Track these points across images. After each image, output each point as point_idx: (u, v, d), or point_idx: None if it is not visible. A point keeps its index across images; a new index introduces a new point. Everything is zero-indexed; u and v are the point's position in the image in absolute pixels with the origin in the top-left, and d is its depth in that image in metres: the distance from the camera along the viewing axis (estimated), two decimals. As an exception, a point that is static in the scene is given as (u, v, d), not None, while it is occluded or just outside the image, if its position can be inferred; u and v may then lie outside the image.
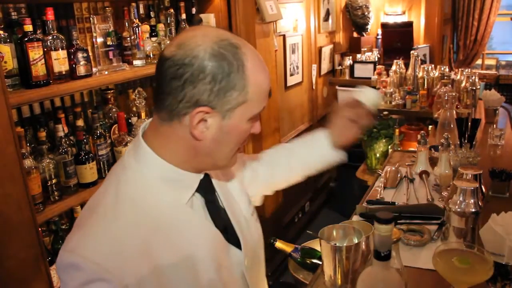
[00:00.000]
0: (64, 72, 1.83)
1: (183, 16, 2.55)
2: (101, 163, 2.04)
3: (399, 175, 2.21)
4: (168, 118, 0.93)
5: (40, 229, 1.67)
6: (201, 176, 1.02)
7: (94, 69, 2.03)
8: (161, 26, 2.44)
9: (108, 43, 2.14)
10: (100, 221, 0.92)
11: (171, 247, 0.95)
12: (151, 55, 2.32)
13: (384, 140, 3.37)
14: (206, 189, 1.04)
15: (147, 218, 0.94)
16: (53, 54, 1.79)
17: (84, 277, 0.85)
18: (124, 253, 0.88)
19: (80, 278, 0.85)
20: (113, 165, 1.08)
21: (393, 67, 4.01)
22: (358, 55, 4.72)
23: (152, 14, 2.48)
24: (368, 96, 1.32)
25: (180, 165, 0.98)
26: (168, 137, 0.95)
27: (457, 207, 1.41)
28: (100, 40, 2.12)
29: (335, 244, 1.28)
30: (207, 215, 1.03)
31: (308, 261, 1.74)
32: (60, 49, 1.81)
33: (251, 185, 1.31)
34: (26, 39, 1.69)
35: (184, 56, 0.88)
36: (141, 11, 2.29)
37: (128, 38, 2.24)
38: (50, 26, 1.80)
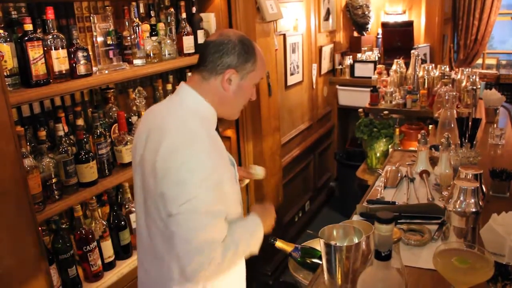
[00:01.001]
0: (64, 71, 1.83)
1: (183, 15, 2.55)
2: (101, 162, 2.04)
3: (399, 175, 2.21)
4: (208, 77, 1.43)
5: (40, 228, 1.67)
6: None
7: (94, 68, 2.02)
8: (161, 25, 2.43)
9: (108, 42, 2.14)
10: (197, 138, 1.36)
11: (220, 153, 1.42)
12: (151, 54, 2.32)
13: (384, 140, 3.37)
14: (217, 131, 1.52)
15: (207, 132, 1.41)
16: (53, 53, 1.79)
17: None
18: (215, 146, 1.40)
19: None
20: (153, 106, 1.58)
21: (394, 67, 4.00)
22: (359, 55, 4.72)
23: (152, 13, 2.47)
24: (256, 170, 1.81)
25: (213, 106, 1.46)
26: (206, 89, 1.44)
27: (457, 206, 1.41)
28: (100, 39, 2.12)
29: (336, 243, 1.28)
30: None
31: (308, 261, 1.74)
32: (60, 48, 1.80)
33: None
34: (26, 38, 1.69)
35: (224, 39, 1.42)
36: (141, 10, 2.29)
37: (128, 37, 2.23)
38: (50, 25, 1.80)
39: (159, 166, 1.32)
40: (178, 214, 1.29)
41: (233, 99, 1.47)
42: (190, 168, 1.30)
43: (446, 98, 2.35)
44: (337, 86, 4.72)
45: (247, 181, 1.94)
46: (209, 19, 2.77)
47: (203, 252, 1.28)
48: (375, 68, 4.40)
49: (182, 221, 1.29)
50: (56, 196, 1.83)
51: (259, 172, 1.84)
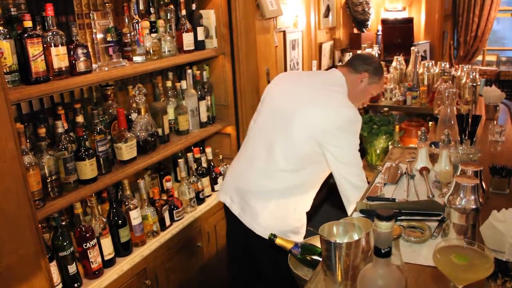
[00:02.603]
0: (64, 68, 1.83)
1: (183, 12, 2.55)
2: (101, 159, 2.04)
3: (399, 172, 2.21)
4: (353, 71, 2.07)
5: (40, 225, 1.67)
6: None
7: (94, 65, 2.02)
8: (161, 22, 2.43)
9: (108, 39, 2.13)
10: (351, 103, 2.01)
11: None
12: (151, 51, 2.31)
13: (384, 137, 3.37)
14: None
15: None
16: (53, 50, 1.78)
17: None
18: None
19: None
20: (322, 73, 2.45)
21: (394, 63, 4.00)
22: (359, 51, 4.71)
23: (152, 10, 2.47)
24: None
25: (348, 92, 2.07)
26: (349, 79, 2.06)
27: (457, 203, 1.41)
28: (100, 36, 2.11)
29: (336, 240, 1.28)
30: None
31: (308, 258, 1.73)
32: (60, 45, 1.80)
33: None
34: (25, 35, 1.68)
35: (370, 57, 2.21)
36: (141, 7, 2.28)
37: (128, 34, 2.23)
38: (50, 22, 1.79)
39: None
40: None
41: (358, 94, 2.09)
42: None
43: (446, 95, 2.35)
44: (337, 83, 4.71)
45: None
46: (209, 16, 2.77)
47: None
48: (375, 65, 4.39)
49: None
50: (56, 193, 1.83)
51: None
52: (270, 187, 2.00)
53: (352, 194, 1.97)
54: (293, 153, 1.96)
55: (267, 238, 1.80)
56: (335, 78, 2.06)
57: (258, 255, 2.13)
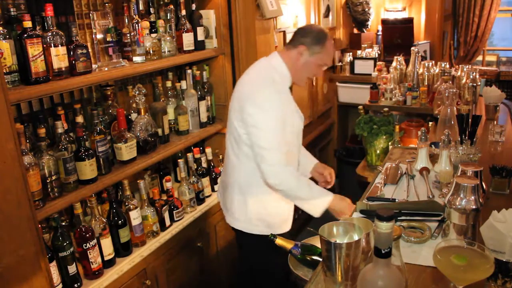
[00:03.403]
0: (63, 69, 1.83)
1: (183, 12, 2.55)
2: (101, 159, 2.04)
3: (399, 172, 2.21)
4: (291, 47, 2.03)
5: (40, 225, 1.67)
6: (291, 82, 2.11)
7: (93, 66, 2.02)
8: (161, 22, 2.43)
9: (107, 40, 2.13)
10: (266, 82, 2.00)
11: (287, 102, 2.05)
12: (151, 52, 2.31)
13: (384, 137, 3.36)
14: (291, 90, 2.13)
15: (282, 87, 2.05)
16: (53, 50, 1.78)
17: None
18: (279, 95, 2.00)
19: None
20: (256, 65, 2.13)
21: (394, 64, 4.00)
22: (359, 52, 4.71)
23: (152, 10, 2.47)
24: None
25: (289, 71, 2.06)
26: (287, 56, 2.04)
27: (457, 204, 1.41)
28: (99, 36, 2.11)
29: (336, 241, 1.28)
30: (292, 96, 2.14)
31: (308, 258, 1.74)
32: (59, 45, 1.80)
33: None
34: (25, 35, 1.68)
35: (307, 27, 2.09)
36: (141, 7, 2.28)
37: (128, 35, 2.23)
38: (50, 22, 1.79)
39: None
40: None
41: (301, 68, 2.04)
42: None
43: (446, 95, 2.35)
44: (337, 83, 4.72)
45: None
46: (209, 16, 2.77)
47: None
48: (375, 65, 4.39)
49: None
50: (56, 194, 1.82)
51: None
52: (231, 180, 2.12)
53: (267, 176, 1.94)
54: (233, 141, 2.07)
55: (242, 230, 2.12)
56: (268, 60, 2.08)
57: (242, 248, 2.29)
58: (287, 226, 2.24)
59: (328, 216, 1.93)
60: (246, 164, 2.04)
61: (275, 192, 2.02)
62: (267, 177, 1.94)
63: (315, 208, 2.00)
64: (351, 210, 1.93)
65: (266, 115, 1.92)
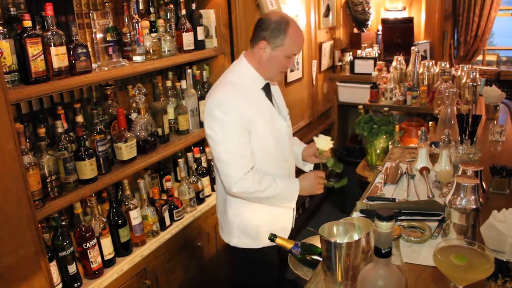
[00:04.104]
0: (63, 68, 1.83)
1: (183, 11, 2.55)
2: (101, 159, 2.03)
3: (399, 172, 2.21)
4: (254, 44, 1.87)
5: (40, 225, 1.67)
6: (265, 82, 1.94)
7: (93, 65, 2.02)
8: (161, 22, 2.43)
9: (107, 39, 2.13)
10: (227, 85, 1.87)
11: (254, 105, 1.85)
12: (151, 51, 2.31)
13: (384, 136, 3.36)
14: (266, 89, 1.96)
15: (244, 89, 1.87)
16: (53, 50, 1.78)
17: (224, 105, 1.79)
18: (240, 98, 1.82)
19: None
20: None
21: (394, 63, 4.00)
22: (359, 51, 4.71)
23: (152, 9, 2.47)
24: (319, 142, 1.98)
25: (257, 71, 1.90)
26: (252, 55, 1.90)
27: (457, 203, 1.41)
28: (99, 36, 2.11)
29: (336, 240, 1.28)
30: (267, 99, 1.96)
31: (308, 258, 1.74)
32: (59, 45, 1.80)
33: None
34: (25, 35, 1.68)
35: (265, 18, 1.85)
36: (141, 6, 2.28)
37: (128, 34, 2.23)
38: (50, 22, 1.79)
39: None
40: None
41: (267, 64, 1.87)
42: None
43: (446, 94, 2.35)
44: (337, 83, 4.72)
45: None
46: (209, 16, 2.77)
47: None
48: (375, 65, 4.39)
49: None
50: (56, 193, 1.82)
51: (320, 142, 1.99)
52: (218, 189, 2.08)
53: (228, 188, 1.87)
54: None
55: (229, 243, 2.05)
56: (234, 64, 1.97)
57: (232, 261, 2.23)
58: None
59: (328, 216, 1.93)
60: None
61: (249, 200, 1.93)
62: (228, 189, 1.86)
63: (288, 201, 1.99)
64: (319, 185, 1.96)
65: (219, 125, 1.80)
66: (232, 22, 2.79)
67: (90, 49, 2.02)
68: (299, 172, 2.12)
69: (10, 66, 1.67)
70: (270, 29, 1.81)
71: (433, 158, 2.26)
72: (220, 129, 1.80)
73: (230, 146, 1.81)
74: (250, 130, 1.84)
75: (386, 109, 3.52)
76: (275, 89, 2.07)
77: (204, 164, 2.74)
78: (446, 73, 3.44)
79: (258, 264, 2.05)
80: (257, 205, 1.96)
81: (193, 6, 2.64)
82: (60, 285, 1.85)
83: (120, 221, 2.11)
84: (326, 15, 4.45)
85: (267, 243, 1.93)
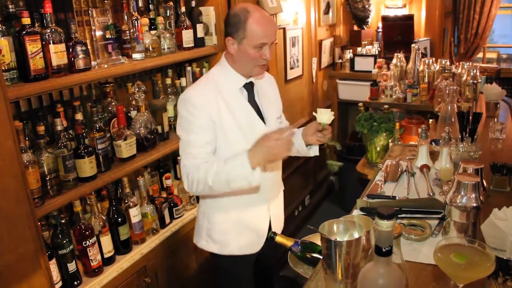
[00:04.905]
0: (62, 66, 1.82)
1: (183, 9, 2.54)
2: (100, 157, 2.03)
3: (399, 169, 2.21)
4: (225, 44, 1.81)
5: (39, 223, 1.66)
6: (247, 80, 1.86)
7: (93, 63, 2.01)
8: (160, 19, 2.42)
9: (107, 36, 2.12)
10: (198, 85, 1.84)
11: (224, 105, 1.79)
12: (151, 49, 2.30)
13: (384, 134, 3.36)
14: (248, 88, 1.88)
15: (218, 89, 1.81)
16: (52, 47, 1.77)
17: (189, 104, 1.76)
18: (207, 99, 1.77)
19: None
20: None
21: (394, 61, 3.99)
22: (359, 49, 4.70)
23: (151, 7, 2.46)
24: (321, 116, 1.85)
25: (235, 70, 1.84)
26: (228, 54, 1.84)
27: (458, 201, 1.40)
28: (99, 33, 2.10)
29: (336, 238, 1.28)
30: (246, 100, 1.87)
31: (308, 255, 1.73)
32: (58, 42, 1.79)
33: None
34: (24, 32, 1.67)
35: (227, 14, 1.79)
36: (140, 4, 2.27)
37: (127, 31, 2.22)
38: (49, 19, 1.78)
39: None
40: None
41: (240, 59, 1.80)
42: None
43: (447, 92, 2.34)
44: (337, 80, 4.71)
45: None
46: (209, 13, 2.76)
47: None
48: (375, 62, 4.38)
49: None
50: (55, 191, 1.82)
51: (323, 115, 1.83)
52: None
53: (183, 179, 1.77)
54: None
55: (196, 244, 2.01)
56: (216, 64, 1.92)
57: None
58: (242, 249, 1.93)
59: (328, 214, 1.93)
60: None
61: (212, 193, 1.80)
62: (183, 180, 1.77)
63: (245, 177, 1.64)
64: (278, 146, 1.61)
65: (180, 121, 1.78)
66: (232, 20, 2.78)
67: (89, 47, 2.01)
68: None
69: (9, 63, 1.66)
70: (231, 23, 1.74)
71: (434, 155, 2.26)
72: (183, 127, 1.77)
73: (186, 142, 1.75)
74: (215, 129, 1.76)
75: (386, 106, 3.51)
76: (264, 90, 1.95)
77: (204, 162, 2.73)
78: (446, 71, 3.43)
79: (226, 272, 2.02)
80: (226, 209, 1.89)
81: (193, 3, 2.63)
82: (60, 283, 1.85)
83: (119, 219, 2.11)
84: (326, 12, 4.44)
85: (236, 251, 1.90)
